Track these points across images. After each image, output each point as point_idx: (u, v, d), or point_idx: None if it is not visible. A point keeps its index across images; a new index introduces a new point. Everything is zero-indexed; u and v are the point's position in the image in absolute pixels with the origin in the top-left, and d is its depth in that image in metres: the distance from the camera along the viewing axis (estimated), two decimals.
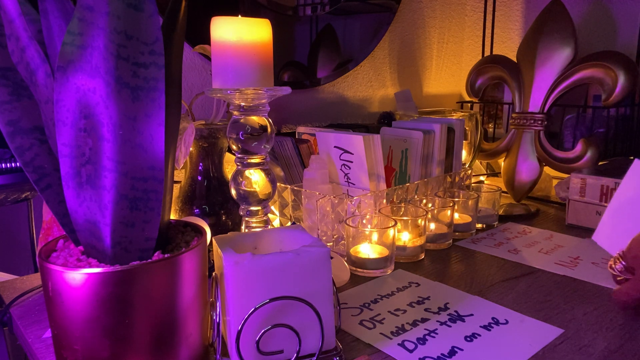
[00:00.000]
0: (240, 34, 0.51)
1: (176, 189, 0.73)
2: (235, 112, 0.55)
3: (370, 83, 1.23)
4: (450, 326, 0.52)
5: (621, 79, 0.89)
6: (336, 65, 1.13)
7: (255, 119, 0.56)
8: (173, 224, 0.49)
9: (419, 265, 0.69)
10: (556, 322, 0.52)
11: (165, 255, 0.41)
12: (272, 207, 0.80)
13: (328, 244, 0.72)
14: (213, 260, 0.54)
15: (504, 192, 1.03)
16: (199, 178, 0.72)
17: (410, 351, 0.47)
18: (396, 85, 1.29)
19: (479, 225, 0.84)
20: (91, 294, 0.37)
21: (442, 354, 0.46)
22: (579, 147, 0.94)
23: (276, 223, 0.81)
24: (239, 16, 0.52)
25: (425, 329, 0.51)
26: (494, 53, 1.28)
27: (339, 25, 1.11)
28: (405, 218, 0.71)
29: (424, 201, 0.78)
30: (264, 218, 0.60)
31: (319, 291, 0.44)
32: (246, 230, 0.59)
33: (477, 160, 1.16)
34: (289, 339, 0.43)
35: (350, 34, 1.15)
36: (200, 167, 0.72)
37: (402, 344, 0.48)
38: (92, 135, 0.37)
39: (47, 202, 0.41)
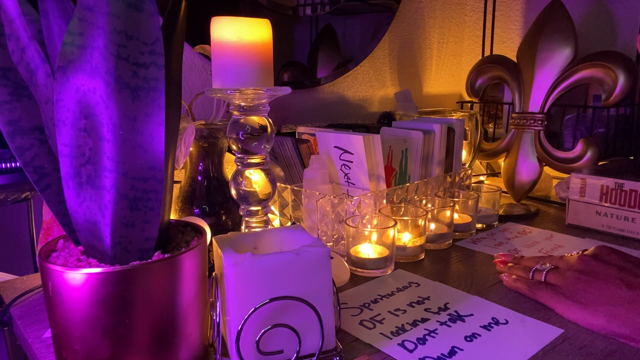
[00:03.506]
0: (240, 34, 0.51)
1: (176, 189, 0.73)
2: (235, 112, 0.55)
3: (370, 83, 1.23)
4: (450, 326, 0.52)
5: (621, 79, 0.89)
6: (336, 65, 1.13)
7: (255, 119, 0.56)
8: (173, 224, 0.49)
9: (419, 265, 0.68)
10: (556, 322, 0.52)
11: (165, 255, 0.41)
12: (272, 207, 0.80)
13: (328, 244, 0.72)
14: (213, 260, 0.54)
15: (504, 192, 1.03)
16: (199, 178, 0.72)
17: (410, 351, 0.47)
18: (396, 85, 1.29)
19: (479, 225, 0.84)
20: (91, 294, 0.37)
21: (442, 354, 0.46)
22: (579, 147, 0.94)
23: (276, 223, 0.81)
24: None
25: (425, 329, 0.51)
26: (494, 53, 1.28)
27: (339, 25, 1.11)
28: (405, 218, 0.70)
29: (424, 201, 0.78)
30: (264, 218, 0.60)
31: (319, 291, 0.44)
32: (246, 230, 0.59)
33: (477, 160, 1.16)
34: (289, 339, 0.43)
35: (350, 34, 1.15)
36: (200, 167, 0.72)
37: (402, 344, 0.48)
38: (92, 135, 0.37)
39: (47, 202, 0.41)
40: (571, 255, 0.58)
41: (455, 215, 0.80)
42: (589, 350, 0.47)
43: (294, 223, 0.78)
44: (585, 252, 0.57)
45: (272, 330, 0.42)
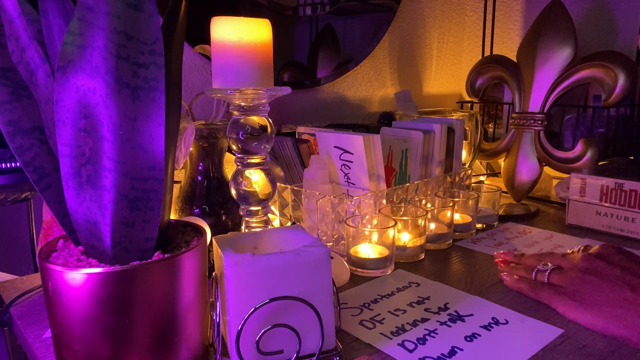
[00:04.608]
0: (240, 34, 0.51)
1: (176, 189, 0.73)
2: (235, 112, 0.55)
3: (370, 83, 1.23)
4: (450, 326, 0.52)
5: (621, 79, 0.89)
6: (336, 65, 1.13)
7: (255, 119, 0.56)
8: (173, 224, 0.49)
9: (419, 265, 0.68)
10: (556, 322, 0.52)
11: (165, 255, 0.41)
12: (272, 207, 0.80)
13: (328, 244, 0.72)
14: (213, 260, 0.54)
15: (504, 192, 1.03)
16: (199, 178, 0.72)
17: (410, 351, 0.47)
18: (396, 85, 1.29)
19: (479, 225, 0.84)
20: (91, 294, 0.37)
21: (442, 354, 0.46)
22: (579, 147, 0.94)
23: (276, 223, 0.81)
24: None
25: (425, 329, 0.51)
26: (494, 53, 1.28)
27: (339, 25, 1.11)
28: (405, 218, 0.70)
29: (424, 201, 0.78)
30: (264, 218, 0.60)
31: (319, 291, 0.44)
32: (246, 230, 0.59)
33: (477, 160, 1.16)
34: (289, 339, 0.43)
35: (350, 34, 1.15)
36: (200, 167, 0.72)
37: (402, 344, 0.48)
38: (92, 135, 0.37)
39: (47, 202, 0.41)
40: (572, 252, 0.58)
41: (456, 215, 0.80)
42: (589, 350, 0.47)
43: (294, 223, 0.78)
44: (590, 251, 0.56)
45: (272, 330, 0.42)
